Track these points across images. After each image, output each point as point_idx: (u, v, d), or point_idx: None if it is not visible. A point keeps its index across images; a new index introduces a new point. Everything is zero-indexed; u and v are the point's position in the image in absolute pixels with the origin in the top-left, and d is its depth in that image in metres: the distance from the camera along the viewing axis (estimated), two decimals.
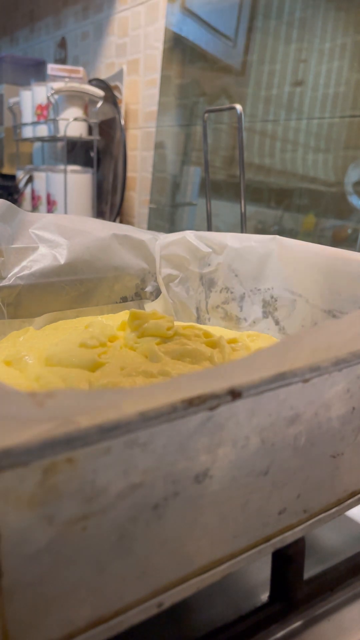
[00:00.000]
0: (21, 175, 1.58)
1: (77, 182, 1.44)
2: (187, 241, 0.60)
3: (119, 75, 1.47)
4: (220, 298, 0.58)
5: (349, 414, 0.29)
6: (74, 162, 1.51)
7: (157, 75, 1.36)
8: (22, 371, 0.42)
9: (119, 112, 1.44)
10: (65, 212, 1.42)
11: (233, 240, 0.57)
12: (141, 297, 0.62)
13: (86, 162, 1.52)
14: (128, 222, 1.51)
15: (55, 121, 1.43)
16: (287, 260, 0.52)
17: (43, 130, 1.51)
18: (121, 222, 1.50)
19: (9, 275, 0.53)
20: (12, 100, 1.67)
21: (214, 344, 0.44)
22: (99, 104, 1.43)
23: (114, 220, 1.48)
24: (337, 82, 0.93)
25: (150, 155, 1.41)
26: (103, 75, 1.56)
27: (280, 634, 0.32)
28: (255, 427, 0.25)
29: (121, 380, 0.38)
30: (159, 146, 1.37)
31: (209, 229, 0.76)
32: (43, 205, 1.51)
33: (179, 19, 1.26)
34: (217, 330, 0.51)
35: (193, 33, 1.23)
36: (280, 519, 0.28)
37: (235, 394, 0.23)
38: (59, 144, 1.60)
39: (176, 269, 0.61)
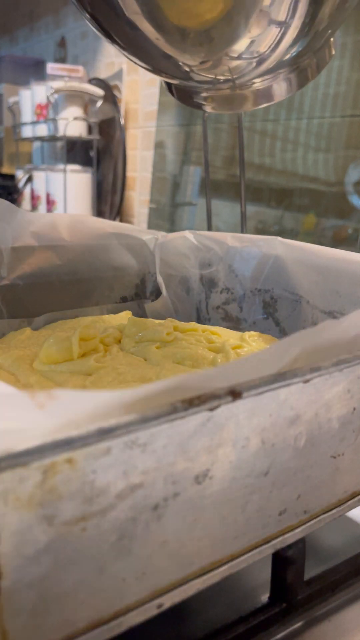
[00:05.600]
0: (21, 175, 1.58)
1: (76, 181, 1.44)
2: (188, 241, 0.59)
3: (118, 74, 1.47)
4: (220, 298, 0.58)
5: (350, 414, 0.29)
6: (74, 162, 1.51)
7: None
8: (15, 374, 0.41)
9: (118, 112, 1.44)
10: (65, 212, 1.42)
11: (233, 240, 0.57)
12: (141, 297, 0.62)
13: (86, 162, 1.52)
14: (128, 222, 1.51)
15: (54, 121, 1.43)
16: (288, 261, 0.52)
17: (43, 130, 1.51)
18: (121, 222, 1.49)
19: (9, 275, 0.53)
20: (12, 99, 1.67)
21: (217, 349, 0.44)
22: (99, 104, 1.43)
23: (114, 220, 1.48)
24: (337, 81, 0.93)
25: (150, 155, 1.41)
26: (103, 74, 1.56)
27: (280, 635, 0.32)
28: (255, 428, 0.25)
29: (118, 386, 0.38)
30: (159, 146, 1.37)
31: (209, 229, 0.76)
32: (42, 205, 1.51)
33: None
34: (219, 330, 0.51)
35: None
36: (281, 519, 0.28)
37: (235, 394, 0.23)
38: (59, 144, 1.60)
39: (176, 269, 0.61)
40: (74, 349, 0.41)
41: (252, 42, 0.39)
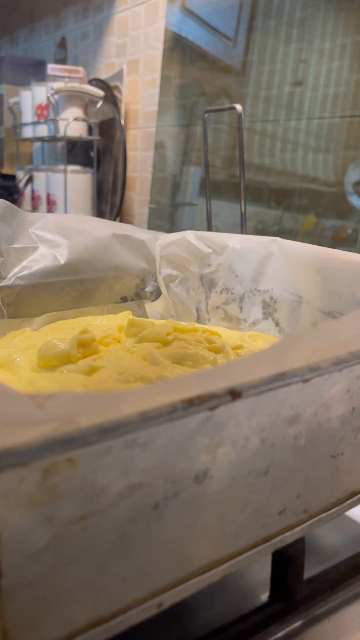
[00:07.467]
0: (21, 175, 1.58)
1: (77, 182, 1.44)
2: (188, 241, 0.60)
3: (119, 75, 1.47)
4: (220, 299, 0.58)
5: (349, 414, 0.29)
6: (74, 162, 1.51)
7: (157, 75, 1.36)
8: (14, 374, 0.41)
9: (119, 112, 1.44)
10: (65, 212, 1.42)
11: (233, 241, 0.57)
12: (141, 297, 0.62)
13: (86, 162, 1.52)
14: (128, 222, 1.51)
15: (55, 121, 1.43)
16: (287, 262, 0.52)
17: (43, 130, 1.51)
18: (121, 222, 1.49)
19: (9, 275, 0.53)
20: (12, 100, 1.67)
21: (218, 349, 0.44)
22: (99, 104, 1.43)
23: (114, 220, 1.48)
24: (337, 82, 0.93)
25: (150, 155, 1.41)
26: (103, 75, 1.56)
27: (280, 634, 0.32)
28: (255, 427, 0.25)
29: (118, 386, 0.38)
30: (159, 146, 1.37)
31: (209, 229, 0.76)
32: (43, 205, 1.51)
33: (179, 19, 1.26)
34: (220, 330, 0.51)
35: (193, 33, 1.23)
36: (280, 519, 0.28)
37: (235, 394, 0.23)
38: (59, 144, 1.60)
39: (176, 269, 0.61)
40: (73, 354, 0.41)
41: None
